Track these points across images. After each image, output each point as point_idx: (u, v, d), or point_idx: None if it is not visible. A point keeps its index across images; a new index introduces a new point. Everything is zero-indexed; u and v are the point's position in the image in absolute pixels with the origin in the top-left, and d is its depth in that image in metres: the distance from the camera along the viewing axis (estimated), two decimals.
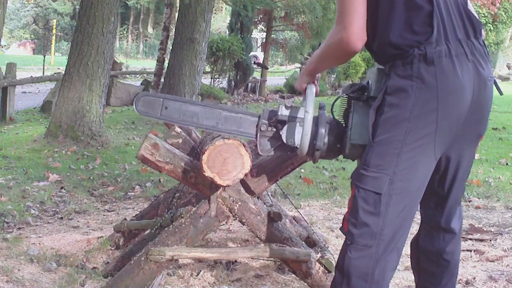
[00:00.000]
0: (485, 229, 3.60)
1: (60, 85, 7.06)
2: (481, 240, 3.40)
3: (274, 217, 2.33)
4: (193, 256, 2.32)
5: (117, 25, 7.28)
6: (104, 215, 4.02)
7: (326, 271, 2.34)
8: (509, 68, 27.52)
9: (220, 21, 37.25)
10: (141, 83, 13.39)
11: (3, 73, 9.11)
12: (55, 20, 32.41)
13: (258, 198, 2.50)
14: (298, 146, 1.77)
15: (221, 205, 2.28)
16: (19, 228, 3.54)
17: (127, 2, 39.12)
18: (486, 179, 5.31)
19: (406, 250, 1.81)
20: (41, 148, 6.25)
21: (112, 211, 4.16)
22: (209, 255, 2.36)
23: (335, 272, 1.63)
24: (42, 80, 11.69)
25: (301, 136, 1.74)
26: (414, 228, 1.89)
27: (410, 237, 1.75)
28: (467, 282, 2.67)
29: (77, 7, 22.71)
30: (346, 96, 1.77)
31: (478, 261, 3.03)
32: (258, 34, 26.10)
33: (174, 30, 10.27)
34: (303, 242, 2.46)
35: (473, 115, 1.58)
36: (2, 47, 33.34)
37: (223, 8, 37.86)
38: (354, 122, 1.72)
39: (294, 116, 1.80)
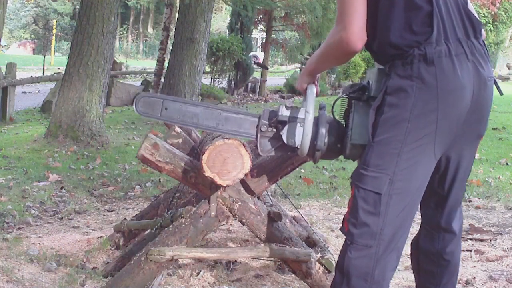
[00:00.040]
0: (485, 229, 3.60)
1: (60, 85, 7.06)
2: (481, 240, 3.40)
3: (274, 217, 2.33)
4: (193, 256, 2.32)
5: (117, 25, 7.28)
6: (104, 215, 4.02)
7: (326, 271, 2.34)
8: (509, 68, 27.52)
9: (220, 21, 37.25)
10: (141, 83, 13.40)
11: (3, 73, 9.11)
12: (55, 20, 32.41)
13: (258, 198, 2.50)
14: (298, 147, 1.77)
15: (221, 205, 2.28)
16: (19, 228, 3.54)
17: (127, 2, 39.13)
18: (486, 179, 5.31)
19: (406, 250, 1.81)
20: (41, 148, 6.25)
21: (112, 211, 4.16)
22: (209, 255, 2.36)
23: (335, 272, 1.63)
24: (42, 80, 11.69)
25: (301, 136, 1.74)
26: (414, 228, 1.89)
27: (410, 237, 1.75)
28: (467, 282, 2.68)
29: (77, 7, 22.72)
30: (347, 96, 1.77)
31: (478, 261, 3.04)
32: (258, 34, 26.10)
33: (174, 30, 10.27)
34: (303, 242, 2.46)
35: (473, 115, 1.58)
36: (2, 47, 33.35)
37: (223, 8, 37.86)
38: (354, 122, 1.72)
39: (295, 117, 1.80)
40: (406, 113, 1.53)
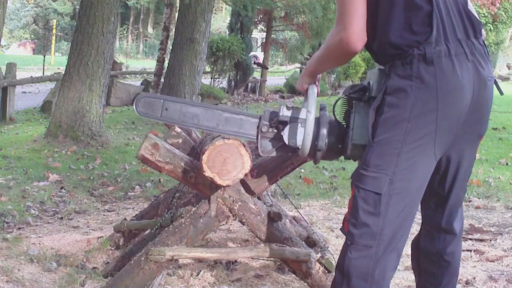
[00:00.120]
0: (485, 229, 3.60)
1: (60, 85, 7.06)
2: (481, 240, 3.40)
3: (274, 217, 2.33)
4: (193, 256, 2.32)
5: (117, 25, 7.28)
6: (104, 215, 4.02)
7: (326, 271, 2.34)
8: (509, 68, 27.53)
9: (220, 21, 37.25)
10: (141, 83, 13.39)
11: (3, 73, 9.11)
12: (55, 20, 32.41)
13: (258, 198, 2.50)
14: (299, 147, 1.77)
15: (221, 205, 2.28)
16: (19, 228, 3.54)
17: (127, 2, 39.13)
18: (486, 179, 5.31)
19: (406, 250, 1.81)
20: (41, 148, 6.25)
21: (112, 211, 4.16)
22: (209, 255, 2.36)
23: (335, 272, 1.63)
24: (42, 80, 11.69)
25: (303, 136, 1.74)
26: (415, 229, 1.89)
27: (410, 237, 1.75)
28: (467, 282, 2.68)
29: (77, 7, 22.72)
30: (347, 96, 1.77)
31: (478, 261, 3.04)
32: (258, 34, 26.10)
33: (174, 30, 10.27)
34: (303, 242, 2.46)
35: (473, 115, 1.58)
36: (2, 47, 33.35)
37: (223, 8, 37.86)
38: (355, 122, 1.72)
39: (296, 117, 1.80)
40: (406, 113, 1.53)
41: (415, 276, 1.89)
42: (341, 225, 1.65)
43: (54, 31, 25.38)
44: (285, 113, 1.82)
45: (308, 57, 16.26)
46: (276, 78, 20.47)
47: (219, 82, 14.10)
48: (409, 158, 1.54)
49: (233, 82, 14.51)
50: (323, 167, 5.84)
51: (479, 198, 4.60)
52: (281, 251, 2.30)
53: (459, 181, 1.70)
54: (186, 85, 9.33)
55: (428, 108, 1.52)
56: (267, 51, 16.67)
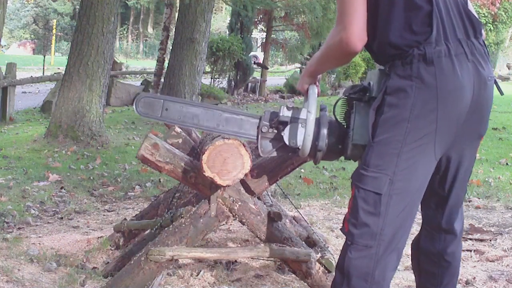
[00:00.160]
0: (485, 229, 3.60)
1: (60, 85, 7.06)
2: (481, 240, 3.40)
3: (274, 217, 2.33)
4: (193, 256, 2.32)
5: (117, 25, 7.28)
6: (104, 215, 4.02)
7: (326, 271, 2.34)
8: (509, 68, 27.53)
9: (220, 21, 37.25)
10: (141, 83, 13.39)
11: (3, 73, 9.11)
12: (55, 20, 32.41)
13: (258, 198, 2.50)
14: (300, 147, 1.77)
15: (221, 205, 2.28)
16: (19, 228, 3.54)
17: (127, 2, 39.13)
18: (486, 179, 5.31)
19: (407, 250, 1.81)
20: (41, 148, 6.25)
21: (112, 211, 4.16)
22: (209, 255, 2.36)
23: (336, 272, 1.62)
24: (42, 80, 11.69)
25: (303, 137, 1.74)
26: (415, 229, 1.89)
27: (411, 237, 1.75)
28: (467, 282, 2.68)
29: (77, 7, 22.72)
30: (348, 97, 1.77)
31: (478, 261, 3.04)
32: (258, 34, 26.10)
33: (174, 30, 10.27)
34: (303, 242, 2.46)
35: (473, 115, 1.58)
36: (2, 47, 33.35)
37: (223, 8, 37.86)
38: (356, 123, 1.71)
39: (296, 117, 1.80)
40: (406, 113, 1.53)
41: (415, 276, 1.89)
42: (341, 225, 1.65)
43: (54, 31, 25.38)
44: (286, 113, 1.82)
45: (308, 57, 16.26)
46: (276, 78, 20.48)
47: (219, 82, 14.10)
48: (409, 158, 1.54)
49: (233, 82, 14.51)
50: (323, 167, 5.84)
51: (479, 198, 4.60)
52: (281, 251, 2.30)
53: (459, 181, 1.70)
54: (186, 85, 9.33)
55: (428, 108, 1.52)
56: (267, 51, 16.67)
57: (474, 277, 2.73)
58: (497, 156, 6.67)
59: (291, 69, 23.39)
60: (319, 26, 14.29)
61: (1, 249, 2.90)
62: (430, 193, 1.69)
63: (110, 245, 2.99)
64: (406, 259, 2.58)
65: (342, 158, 1.82)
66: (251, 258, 2.57)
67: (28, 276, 2.54)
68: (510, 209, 4.26)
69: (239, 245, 3.09)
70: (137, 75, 17.46)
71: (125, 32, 41.10)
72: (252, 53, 16.85)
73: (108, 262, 2.80)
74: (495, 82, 1.64)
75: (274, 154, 1.91)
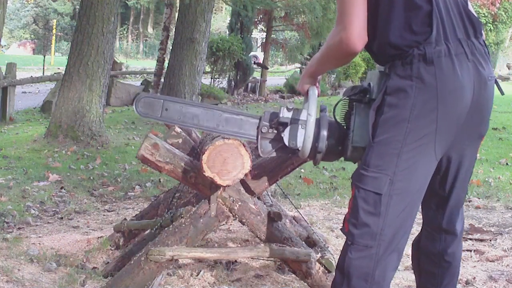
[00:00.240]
0: (485, 229, 3.60)
1: (60, 85, 7.06)
2: (481, 240, 3.40)
3: (274, 217, 2.33)
4: (193, 256, 2.32)
5: (117, 25, 7.28)
6: (104, 215, 4.03)
7: (326, 271, 2.34)
8: (509, 68, 27.54)
9: (220, 21, 37.25)
10: (141, 83, 13.39)
11: (3, 73, 9.11)
12: (55, 20, 32.41)
13: (258, 198, 2.50)
14: (300, 149, 1.77)
15: (221, 205, 2.28)
16: (19, 228, 3.54)
17: (127, 2, 39.12)
18: (486, 179, 5.32)
19: (407, 250, 1.81)
20: (41, 148, 6.25)
21: (112, 211, 4.16)
22: (209, 255, 2.36)
23: (336, 272, 1.62)
24: (42, 80, 11.70)
25: (303, 138, 1.74)
26: (415, 229, 1.89)
27: (411, 237, 1.75)
28: (467, 282, 2.68)
29: (77, 7, 22.72)
30: (348, 98, 1.77)
31: (478, 261, 3.04)
32: (258, 34, 26.10)
33: (174, 30, 10.27)
34: (303, 242, 2.46)
35: (473, 115, 1.58)
36: (2, 47, 33.34)
37: (223, 8, 37.86)
38: (356, 124, 1.71)
39: (297, 119, 1.80)
40: (406, 113, 1.53)
41: (415, 276, 1.89)
42: (341, 225, 1.65)
43: (54, 31, 25.39)
44: (286, 114, 1.81)
45: (308, 57, 16.27)
46: (276, 78, 20.47)
47: (219, 82, 14.10)
48: (410, 158, 1.54)
49: (233, 82, 14.51)
50: (323, 167, 5.84)
51: (479, 198, 4.60)
52: (281, 251, 2.30)
53: (460, 181, 1.70)
54: (186, 85, 9.33)
55: (428, 108, 1.52)
56: (267, 51, 16.67)
57: (474, 277, 2.73)
58: (497, 156, 6.67)
59: (291, 69, 23.39)
60: (319, 26, 14.29)
61: (1, 249, 2.90)
62: (430, 194, 1.69)
63: (110, 245, 2.99)
64: (406, 259, 2.58)
65: (342, 158, 1.82)
66: (251, 258, 2.57)
67: (28, 276, 2.54)
68: (510, 209, 4.26)
69: (239, 245, 3.09)
70: (137, 75, 17.46)
71: (125, 32, 41.10)
72: (252, 53, 16.85)
73: (108, 262, 2.80)
74: (496, 82, 1.64)
75: (274, 154, 1.90)
